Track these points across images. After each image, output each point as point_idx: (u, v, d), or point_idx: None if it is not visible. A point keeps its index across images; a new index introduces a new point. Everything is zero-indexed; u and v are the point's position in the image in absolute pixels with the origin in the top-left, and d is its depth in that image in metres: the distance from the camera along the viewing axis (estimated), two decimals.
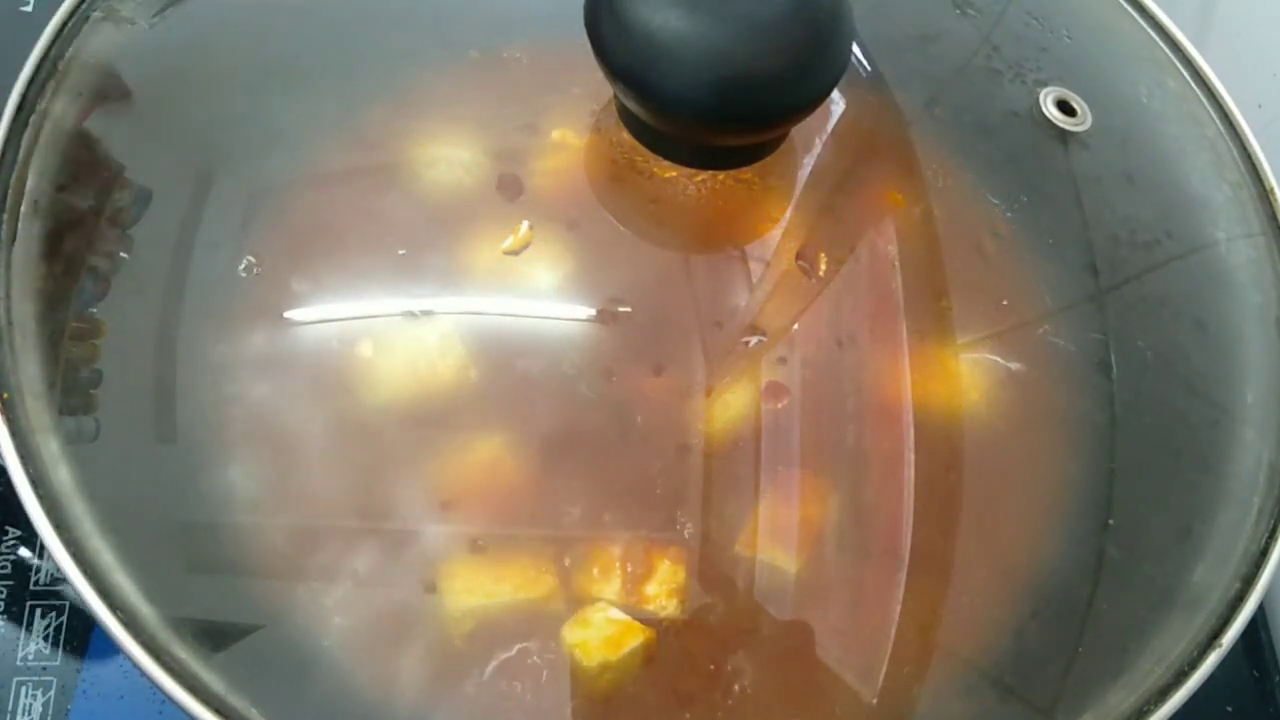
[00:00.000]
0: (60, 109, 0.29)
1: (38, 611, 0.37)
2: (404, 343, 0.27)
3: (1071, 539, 0.28)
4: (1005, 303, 0.29)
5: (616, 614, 0.25)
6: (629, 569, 0.26)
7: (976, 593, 0.27)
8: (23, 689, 0.36)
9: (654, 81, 0.24)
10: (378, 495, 0.26)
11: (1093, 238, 0.31)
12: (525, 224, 0.28)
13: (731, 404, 0.27)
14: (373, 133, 0.29)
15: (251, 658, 0.25)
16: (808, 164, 0.30)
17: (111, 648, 0.36)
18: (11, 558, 0.38)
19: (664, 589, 0.25)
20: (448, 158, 0.29)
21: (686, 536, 0.26)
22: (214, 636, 0.25)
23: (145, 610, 0.24)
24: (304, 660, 0.25)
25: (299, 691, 0.25)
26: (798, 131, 0.29)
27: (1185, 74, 0.35)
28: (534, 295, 0.27)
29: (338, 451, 0.26)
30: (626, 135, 0.28)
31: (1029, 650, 0.27)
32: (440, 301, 0.27)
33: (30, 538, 0.38)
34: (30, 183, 0.28)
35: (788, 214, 0.29)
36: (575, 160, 0.29)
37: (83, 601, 0.24)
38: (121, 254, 0.28)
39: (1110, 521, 0.28)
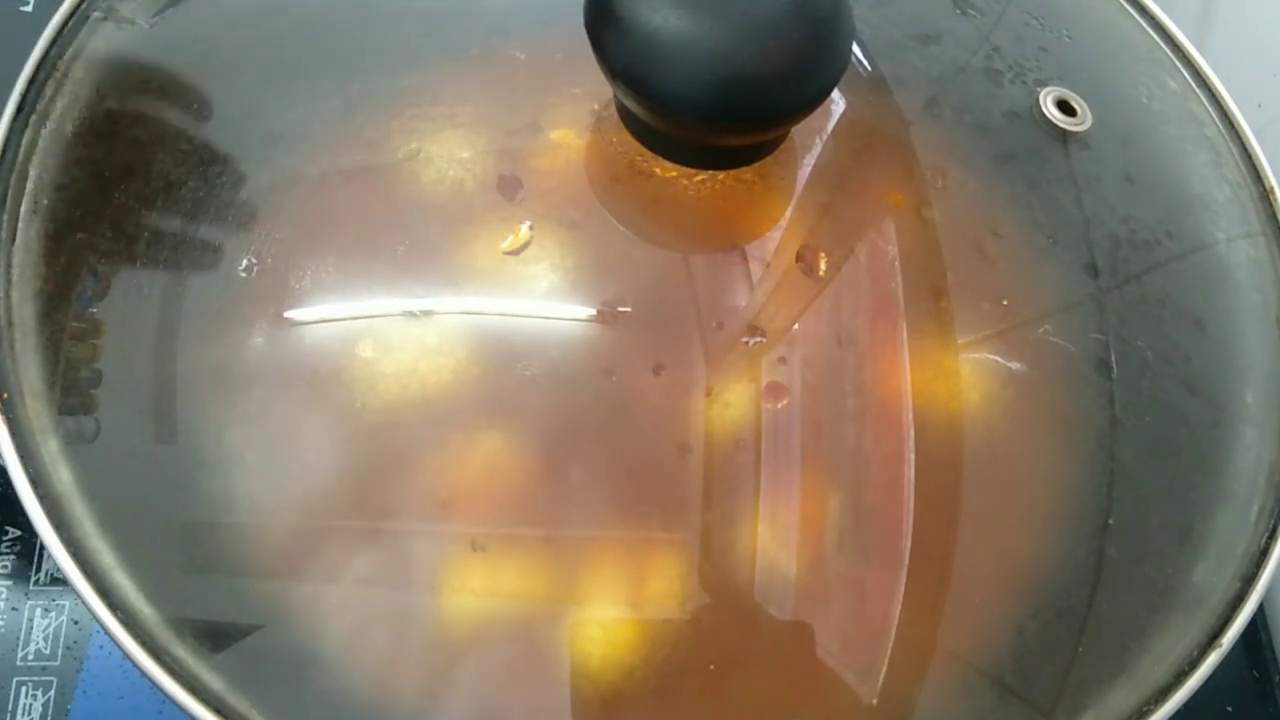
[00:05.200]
0: (60, 109, 0.29)
1: (38, 611, 0.37)
2: (404, 342, 0.27)
3: (1071, 539, 0.28)
4: (1005, 303, 0.29)
5: (616, 614, 0.25)
6: (629, 569, 0.26)
7: (976, 593, 0.27)
8: (23, 689, 0.36)
9: (654, 81, 0.24)
10: (377, 495, 0.26)
11: (1093, 238, 0.30)
12: (525, 224, 0.28)
13: (732, 404, 0.27)
14: (373, 133, 0.29)
15: (251, 658, 0.25)
16: (808, 164, 0.30)
17: (111, 648, 0.36)
18: (11, 558, 0.38)
19: (664, 589, 0.25)
20: (448, 157, 0.29)
21: (686, 537, 0.26)
22: (214, 636, 0.25)
23: (145, 610, 0.24)
24: (304, 660, 0.25)
25: (299, 691, 0.25)
26: (798, 131, 0.29)
27: (1185, 74, 0.35)
28: (534, 295, 0.27)
29: (337, 451, 0.26)
30: (626, 135, 0.28)
31: (1029, 650, 0.27)
32: (440, 301, 0.27)
33: (30, 537, 0.38)
34: (30, 183, 0.28)
35: (788, 214, 0.29)
36: (575, 160, 0.29)
37: (83, 601, 0.24)
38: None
39: (1110, 521, 0.28)
